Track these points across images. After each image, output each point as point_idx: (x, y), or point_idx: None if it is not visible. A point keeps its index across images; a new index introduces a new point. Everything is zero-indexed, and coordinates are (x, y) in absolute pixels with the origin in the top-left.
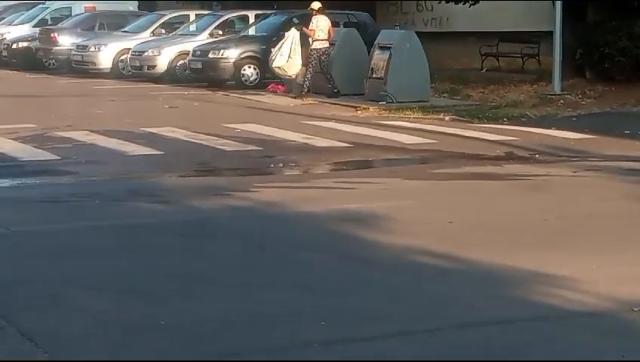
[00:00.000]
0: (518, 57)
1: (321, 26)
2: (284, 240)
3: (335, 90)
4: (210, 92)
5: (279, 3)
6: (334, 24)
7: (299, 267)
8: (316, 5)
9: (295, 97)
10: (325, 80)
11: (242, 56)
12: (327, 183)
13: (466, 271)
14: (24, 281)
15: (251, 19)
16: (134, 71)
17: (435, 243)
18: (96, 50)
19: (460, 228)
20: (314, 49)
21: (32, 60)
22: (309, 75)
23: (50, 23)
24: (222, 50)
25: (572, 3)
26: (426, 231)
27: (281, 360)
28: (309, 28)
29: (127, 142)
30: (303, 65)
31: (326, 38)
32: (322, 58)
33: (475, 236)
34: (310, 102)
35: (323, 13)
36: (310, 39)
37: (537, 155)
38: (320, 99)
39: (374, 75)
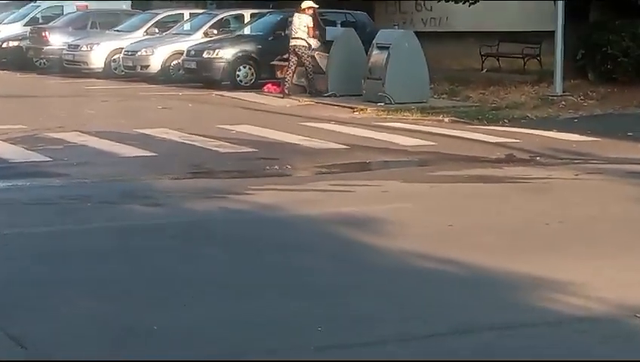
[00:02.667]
0: (519, 58)
1: (296, 23)
2: (280, 244)
3: (314, 90)
4: (205, 92)
5: (275, 2)
6: (331, 23)
7: (295, 271)
8: (304, 4)
9: (283, 97)
10: (307, 78)
11: (237, 55)
12: (324, 186)
13: (466, 276)
14: (14, 284)
15: (247, 19)
16: (127, 71)
17: (434, 247)
18: (88, 49)
19: (459, 232)
20: (291, 46)
21: (22, 60)
22: (288, 75)
23: (41, 21)
24: (216, 50)
25: (574, 3)
26: (425, 234)
27: (280, 360)
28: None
29: (119, 144)
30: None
31: (303, 37)
32: (303, 57)
33: (474, 240)
34: (307, 102)
35: (305, 13)
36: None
37: (538, 158)
38: (316, 100)
39: (372, 76)
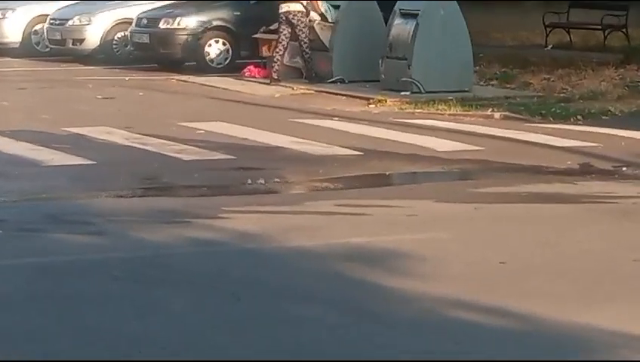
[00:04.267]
0: (598, 29)
1: None
2: (266, 288)
3: (313, 75)
4: (162, 77)
5: None
6: None
7: (286, 326)
8: None
9: (270, 83)
10: (302, 57)
11: (206, 26)
12: (327, 207)
13: (523, 333)
14: None
15: None
16: (54, 46)
17: (480, 293)
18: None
19: (514, 272)
20: (281, 13)
21: None
22: (278, 54)
23: None
24: (178, 19)
25: None
26: (467, 275)
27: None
28: None
29: (42, 148)
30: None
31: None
32: (298, 28)
33: (535, 283)
34: (303, 91)
35: None
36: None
37: (625, 168)
38: (316, 88)
39: (394, 55)
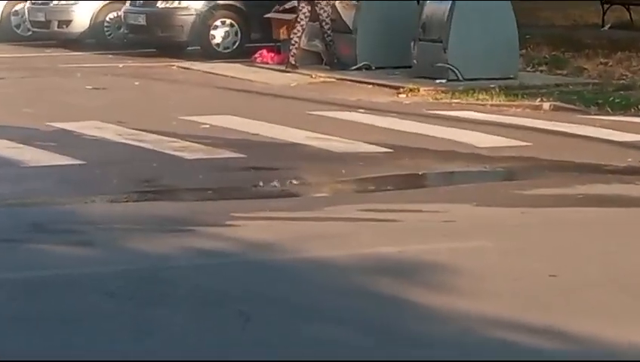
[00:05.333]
0: None
1: None
2: (280, 307)
3: (335, 60)
4: (161, 63)
5: None
6: None
7: (302, 350)
8: None
9: (286, 69)
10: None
11: (213, 5)
12: (351, 213)
13: (576, 356)
14: None
15: None
16: (37, 29)
17: (527, 311)
18: None
19: (567, 287)
20: None
21: None
22: (296, 36)
23: None
24: None
25: None
26: (512, 290)
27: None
28: None
29: (24, 146)
30: None
31: None
32: (318, 6)
33: (591, 299)
34: (323, 79)
35: None
36: None
37: None
38: (339, 76)
39: (427, 37)
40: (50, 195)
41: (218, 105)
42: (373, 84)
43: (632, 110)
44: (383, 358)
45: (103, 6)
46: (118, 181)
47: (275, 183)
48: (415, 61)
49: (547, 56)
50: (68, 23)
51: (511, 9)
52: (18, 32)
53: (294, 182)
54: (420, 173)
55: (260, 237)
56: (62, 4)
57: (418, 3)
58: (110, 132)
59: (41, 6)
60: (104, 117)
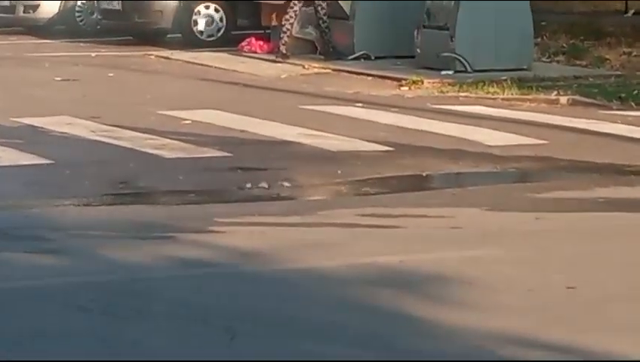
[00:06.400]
0: None
1: None
2: (269, 322)
3: (330, 49)
4: (137, 52)
5: None
6: None
7: None
8: None
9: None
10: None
11: None
12: (348, 218)
13: None
14: None
15: None
16: (1, 15)
17: (542, 327)
18: None
19: (586, 300)
20: None
21: None
22: (288, 23)
23: None
24: None
25: None
26: (526, 303)
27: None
28: None
29: None
30: None
31: None
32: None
33: (612, 314)
34: (317, 70)
35: None
36: None
37: None
38: (334, 66)
39: (432, 23)
40: (16, 198)
41: (201, 99)
42: (372, 75)
43: None
44: None
45: None
46: (91, 183)
47: (264, 185)
48: (419, 50)
49: (565, 45)
50: (35, 7)
51: None
52: None
53: (285, 184)
54: (423, 174)
55: (247, 245)
56: None
57: None
58: (82, 128)
59: None
60: (75, 112)
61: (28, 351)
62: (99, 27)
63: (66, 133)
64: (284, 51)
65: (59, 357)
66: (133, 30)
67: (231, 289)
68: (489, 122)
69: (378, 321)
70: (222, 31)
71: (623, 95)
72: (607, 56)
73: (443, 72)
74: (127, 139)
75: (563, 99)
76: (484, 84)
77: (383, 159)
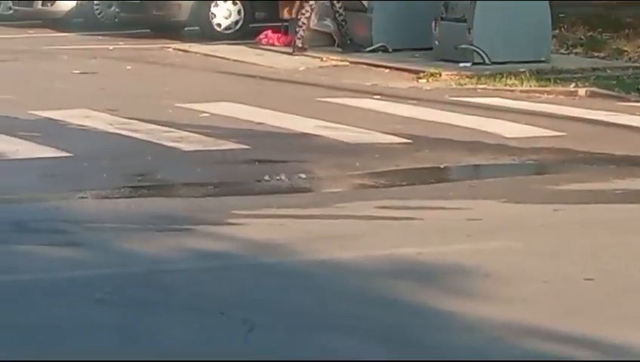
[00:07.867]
0: None
1: None
2: (287, 314)
3: (348, 41)
4: (155, 45)
5: None
6: None
7: (313, 360)
8: None
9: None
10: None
11: None
12: (366, 210)
13: None
14: None
15: None
16: (18, 8)
17: (560, 319)
18: None
19: (604, 292)
20: None
21: None
22: (304, 16)
23: None
24: None
25: None
26: (544, 295)
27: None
28: None
29: (5, 137)
30: None
31: None
32: None
33: (631, 305)
34: (335, 62)
35: None
36: None
37: None
38: (352, 59)
39: (450, 16)
40: (33, 191)
41: (219, 92)
42: (390, 67)
43: None
44: None
45: None
46: (109, 175)
47: (282, 177)
48: (437, 42)
49: (583, 37)
50: (53, 0)
51: None
52: None
53: (303, 176)
54: (441, 167)
55: (265, 237)
56: None
57: None
58: (100, 121)
59: None
60: (93, 104)
61: (45, 343)
62: (117, 20)
63: (84, 125)
64: (300, 45)
65: (75, 350)
66: (151, 23)
67: (249, 282)
68: (507, 114)
69: (395, 313)
70: (240, 24)
71: None
72: (625, 48)
73: (461, 64)
74: (144, 131)
75: (581, 91)
76: (502, 76)
77: (400, 151)
